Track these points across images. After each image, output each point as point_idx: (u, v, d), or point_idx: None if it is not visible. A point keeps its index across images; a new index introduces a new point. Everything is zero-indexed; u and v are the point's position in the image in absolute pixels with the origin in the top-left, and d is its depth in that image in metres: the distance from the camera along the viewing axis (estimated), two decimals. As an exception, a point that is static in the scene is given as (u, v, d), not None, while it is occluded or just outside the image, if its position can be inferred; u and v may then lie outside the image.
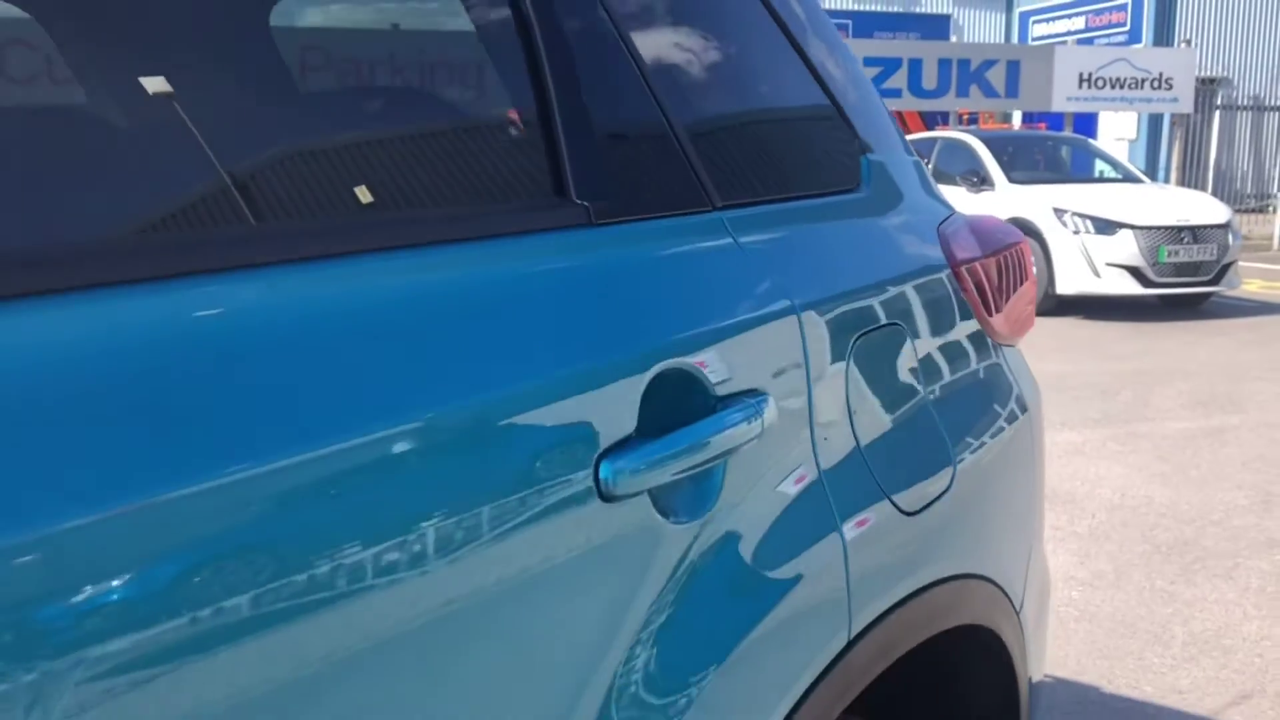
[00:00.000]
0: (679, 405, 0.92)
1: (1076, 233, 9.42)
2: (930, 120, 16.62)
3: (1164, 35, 22.67)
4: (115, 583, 0.58)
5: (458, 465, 0.76)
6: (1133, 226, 9.40)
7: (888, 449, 1.18)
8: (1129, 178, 11.30)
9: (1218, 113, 21.48)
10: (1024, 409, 1.52)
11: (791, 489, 1.04)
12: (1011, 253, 1.55)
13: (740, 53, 1.26)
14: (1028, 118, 17.79)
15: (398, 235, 0.82)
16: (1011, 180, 10.17)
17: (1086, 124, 19.09)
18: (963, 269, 1.43)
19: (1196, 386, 6.72)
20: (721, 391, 0.96)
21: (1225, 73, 22.71)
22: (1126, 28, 23.26)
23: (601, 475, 0.84)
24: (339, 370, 0.72)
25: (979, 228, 1.54)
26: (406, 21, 1.21)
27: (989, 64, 14.76)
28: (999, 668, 1.42)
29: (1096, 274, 9.36)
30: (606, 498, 0.84)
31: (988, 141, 10.89)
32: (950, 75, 14.54)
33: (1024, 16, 25.74)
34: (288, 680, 0.65)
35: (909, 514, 1.18)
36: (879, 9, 23.97)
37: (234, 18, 0.95)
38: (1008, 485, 1.45)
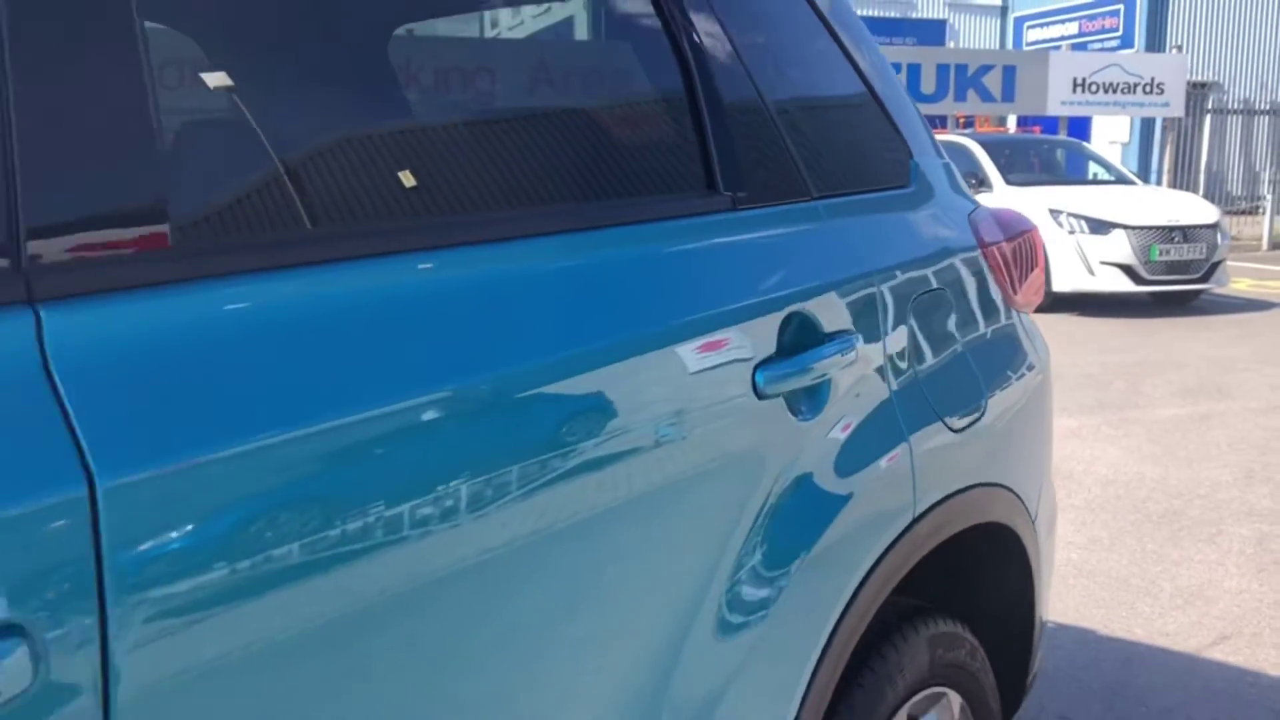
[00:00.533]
0: (801, 337, 1.29)
1: (1072, 233, 9.78)
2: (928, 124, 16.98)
3: (1156, 40, 22.96)
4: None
5: (668, 361, 1.14)
6: (1125, 226, 9.78)
7: (937, 382, 1.56)
8: (1122, 180, 11.69)
9: (1208, 116, 21.80)
10: (1037, 361, 1.90)
11: (873, 405, 1.42)
12: (1026, 238, 1.93)
13: (822, 81, 1.64)
14: (1022, 121, 18.18)
15: (618, 215, 1.19)
16: (1009, 182, 10.52)
17: (1080, 127, 19.47)
18: (989, 249, 1.81)
19: (1185, 377, 7.11)
20: (827, 330, 1.34)
21: (1216, 77, 23.01)
22: (1119, 33, 23.57)
23: (756, 380, 1.21)
24: (584, 305, 1.10)
25: (1000, 217, 1.92)
26: (597, 66, 1.59)
27: (985, 69, 15.14)
28: (1018, 566, 1.80)
29: (1091, 272, 9.74)
30: (760, 396, 1.21)
31: (985, 145, 11.24)
32: (948, 80, 14.92)
33: (1018, 21, 26.09)
34: (484, 551, 0.96)
35: (954, 431, 1.56)
36: (876, 14, 24.33)
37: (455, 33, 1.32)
38: (1024, 421, 1.83)
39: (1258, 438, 5.58)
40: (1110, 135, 21.49)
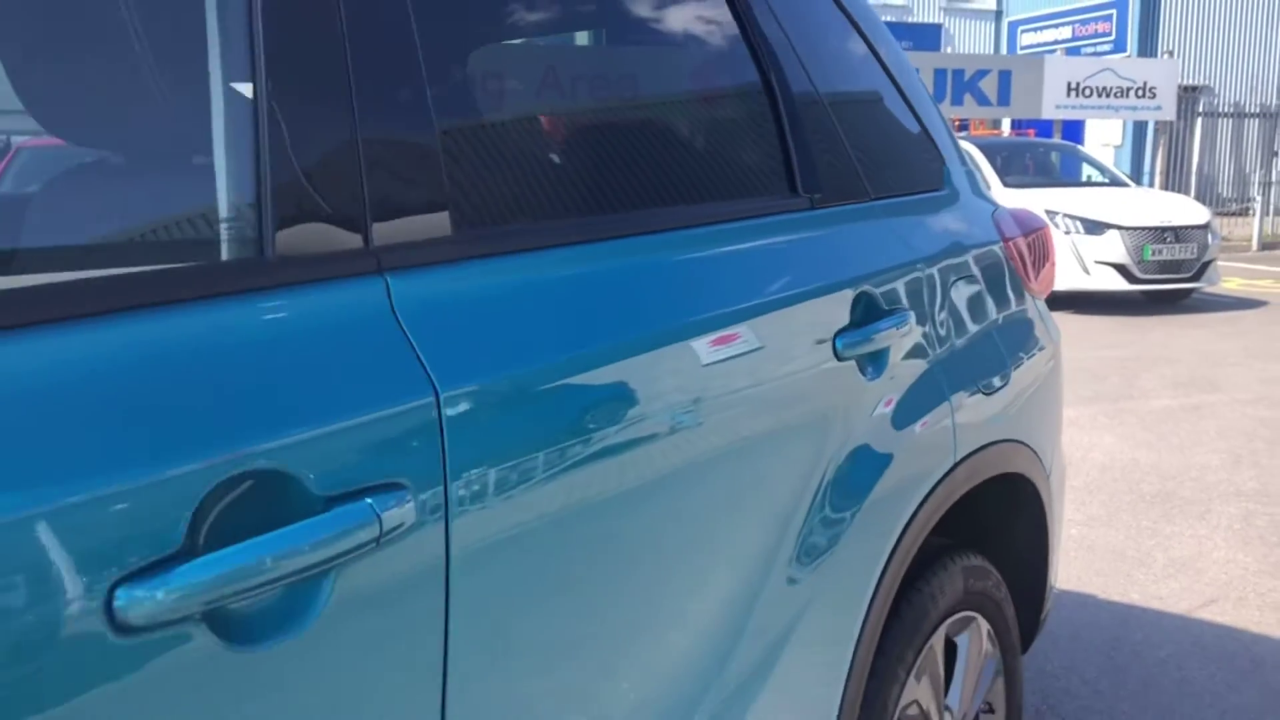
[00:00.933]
0: (867, 312, 1.60)
1: (1067, 233, 10.10)
2: (925, 127, 17.30)
3: (1148, 44, 23.29)
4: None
5: (776, 325, 1.45)
6: (1119, 227, 10.12)
7: (971, 353, 1.87)
8: (1115, 182, 12.03)
9: (1199, 119, 22.13)
10: (1049, 341, 2.21)
11: (921, 369, 1.72)
12: (1041, 234, 2.24)
13: (873, 101, 1.95)
14: (1016, 124, 18.51)
15: (734, 213, 1.51)
16: (1005, 184, 10.83)
17: (1074, 131, 19.83)
18: (1009, 243, 2.12)
19: (1177, 371, 7.43)
20: (886, 307, 1.65)
21: (1206, 81, 23.34)
22: (1112, 37, 23.91)
23: (836, 345, 1.52)
24: (718, 280, 1.41)
25: (1017, 216, 2.24)
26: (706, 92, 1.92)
27: (982, 73, 15.48)
28: (1034, 513, 2.11)
29: (1086, 271, 10.07)
30: (839, 358, 1.52)
31: (982, 148, 11.56)
32: (945, 84, 15.25)
33: (1013, 26, 26.44)
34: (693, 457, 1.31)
35: (984, 394, 1.88)
36: (873, 18, 24.62)
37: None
38: (1040, 389, 2.14)
39: (1245, 426, 5.90)
40: (1103, 138, 21.85)
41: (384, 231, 1.02)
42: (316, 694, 0.90)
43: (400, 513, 0.92)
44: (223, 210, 1.00)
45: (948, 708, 1.92)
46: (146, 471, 0.79)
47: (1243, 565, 3.91)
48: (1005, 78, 15.50)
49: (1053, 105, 15.83)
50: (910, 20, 25.53)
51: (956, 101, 15.44)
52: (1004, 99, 15.45)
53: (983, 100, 15.50)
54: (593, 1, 1.69)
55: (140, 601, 0.77)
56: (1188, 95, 21.12)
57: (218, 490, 0.83)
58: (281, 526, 0.85)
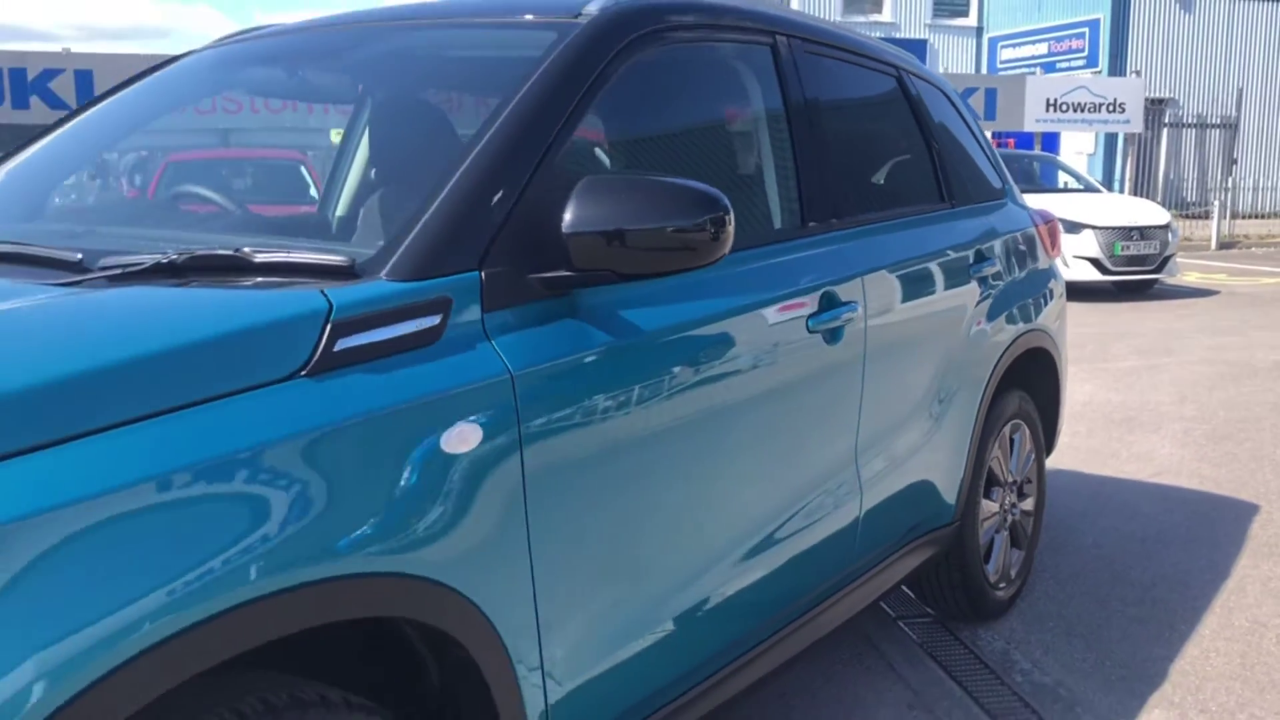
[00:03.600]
0: (978, 259, 3.31)
1: (1049, 232, 11.89)
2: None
3: (1118, 59, 24.94)
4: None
5: (941, 267, 3.13)
6: (1093, 227, 11.94)
7: (1022, 283, 3.58)
8: (1089, 188, 13.87)
9: (1165, 130, 23.91)
10: (1058, 282, 3.94)
11: (1000, 289, 3.43)
12: (1053, 223, 3.98)
13: (972, 149, 3.67)
14: (996, 135, 20.29)
15: (917, 210, 3.21)
16: (997, 190, 12.60)
17: (1050, 139, 21.63)
18: (1038, 227, 3.85)
19: (1141, 342, 9.21)
20: (986, 257, 3.36)
21: (1172, 94, 25.04)
22: (1085, 53, 25.64)
23: (970, 272, 3.23)
24: (912, 243, 3.10)
25: (1040, 212, 3.97)
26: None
27: (970, 91, 17.24)
28: (1051, 375, 3.84)
29: (1065, 265, 11.86)
30: (969, 280, 3.23)
31: (976, 159, 13.32)
32: (937, 100, 16.97)
33: (993, 42, 28.20)
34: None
35: (1030, 305, 3.60)
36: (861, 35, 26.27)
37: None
38: (1054, 306, 3.84)
39: (1190, 378, 7.68)
40: (1077, 146, 23.67)
41: (811, 222, 2.67)
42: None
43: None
44: (782, 205, 2.66)
45: (1010, 471, 3.65)
46: None
47: (1180, 456, 5.67)
48: (991, 94, 17.30)
49: (1034, 119, 17.64)
50: (897, 36, 27.26)
51: (947, 115, 17.14)
52: (990, 113, 17.24)
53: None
54: (855, 98, 3.33)
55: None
56: (1154, 107, 22.81)
57: None
58: None
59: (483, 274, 1.75)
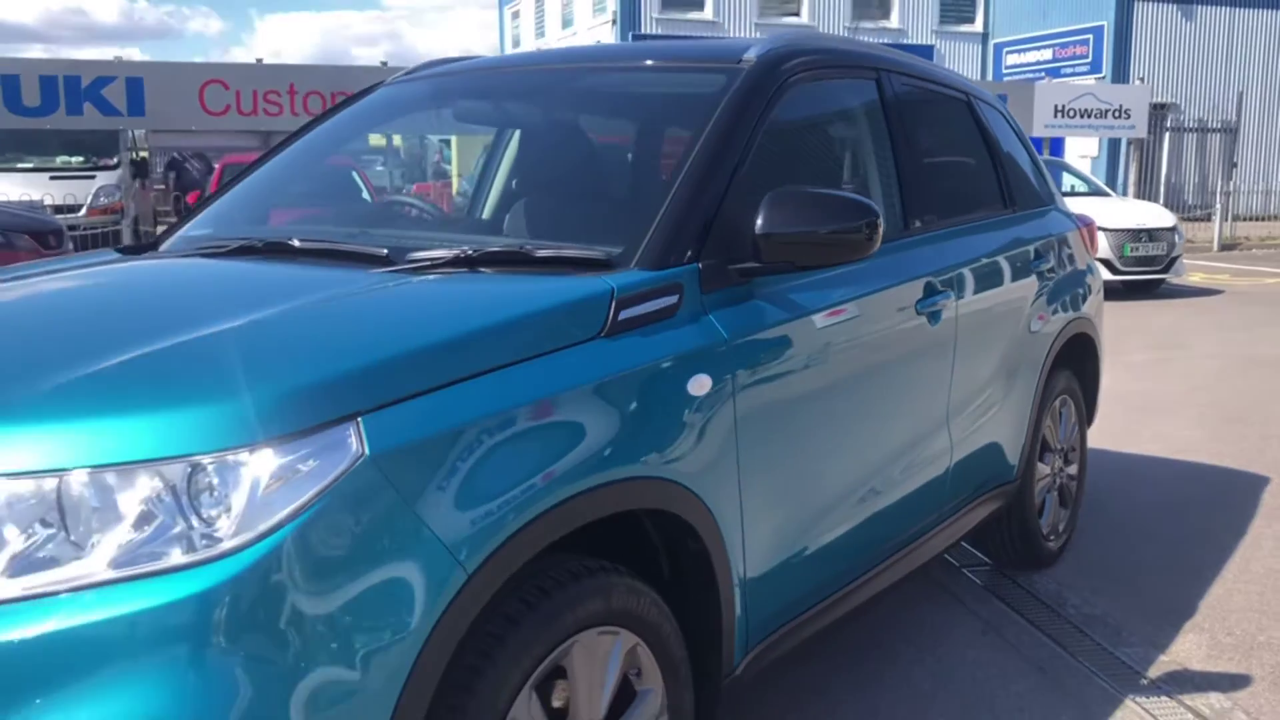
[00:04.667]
0: (1038, 256, 3.89)
1: (1062, 234, 12.49)
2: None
3: (1121, 65, 25.50)
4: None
5: (1010, 262, 3.70)
6: (1104, 229, 12.50)
7: (1068, 278, 4.16)
8: (1096, 191, 14.46)
9: (1167, 134, 24.45)
10: (1096, 275, 4.52)
11: (1052, 285, 4.00)
12: (1091, 225, 4.56)
13: (1026, 165, 4.25)
14: (1007, 139, 20.83)
15: (984, 215, 3.78)
16: (1011, 194, 13.21)
17: (1055, 144, 22.24)
18: (1080, 230, 4.43)
19: (1151, 338, 9.80)
20: (1041, 255, 3.94)
21: (1174, 99, 25.60)
22: (1089, 59, 26.22)
23: (1032, 267, 3.81)
24: (985, 243, 3.68)
25: (1080, 216, 4.55)
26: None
27: (981, 97, 17.82)
28: (1092, 354, 4.42)
29: (1077, 264, 12.46)
30: (1030, 274, 3.81)
31: (990, 163, 13.92)
32: (949, 106, 17.56)
33: (998, 47, 28.80)
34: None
35: (1076, 296, 4.18)
36: (870, 42, 26.80)
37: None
38: (1094, 297, 4.43)
39: (1200, 369, 8.27)
40: (1081, 149, 24.24)
41: (915, 223, 3.26)
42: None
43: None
44: (891, 209, 3.22)
45: (1059, 440, 4.23)
46: None
47: (1197, 437, 6.25)
48: (1002, 101, 17.81)
49: (1042, 125, 18.25)
50: (905, 42, 27.84)
51: (959, 121, 17.73)
52: (1000, 119, 17.79)
53: (981, 120, 17.82)
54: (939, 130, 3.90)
55: None
56: (1157, 112, 23.32)
57: None
58: None
59: (700, 265, 2.33)
